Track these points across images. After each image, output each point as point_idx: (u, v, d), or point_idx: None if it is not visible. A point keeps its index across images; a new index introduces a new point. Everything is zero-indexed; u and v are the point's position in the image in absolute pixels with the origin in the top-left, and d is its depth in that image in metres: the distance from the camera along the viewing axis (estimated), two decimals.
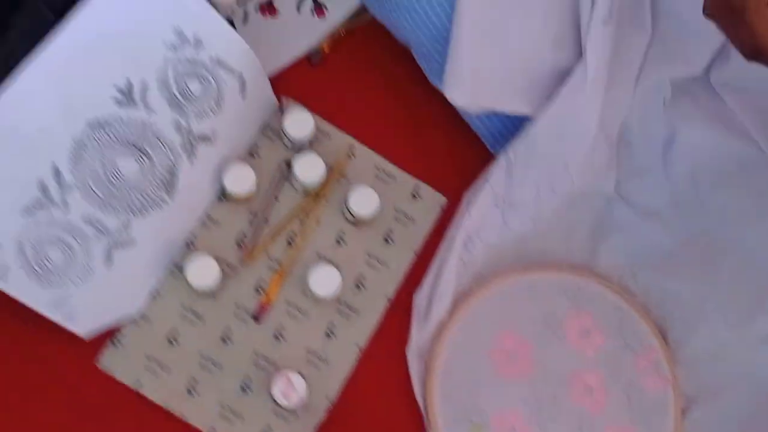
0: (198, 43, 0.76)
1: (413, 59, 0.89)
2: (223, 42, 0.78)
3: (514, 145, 0.83)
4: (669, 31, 0.82)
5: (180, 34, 0.75)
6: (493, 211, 0.85)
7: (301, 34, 0.91)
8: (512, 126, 0.86)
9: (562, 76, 0.80)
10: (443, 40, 0.80)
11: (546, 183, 0.83)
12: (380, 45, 0.92)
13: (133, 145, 0.75)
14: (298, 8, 0.92)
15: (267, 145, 0.87)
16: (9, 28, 0.72)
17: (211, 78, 0.78)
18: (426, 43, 0.82)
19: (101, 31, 0.72)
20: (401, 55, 0.90)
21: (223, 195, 0.83)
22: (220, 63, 0.78)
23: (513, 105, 0.81)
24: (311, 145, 0.87)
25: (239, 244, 0.83)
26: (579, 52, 0.79)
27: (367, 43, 0.93)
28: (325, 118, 0.89)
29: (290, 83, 0.89)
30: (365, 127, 0.90)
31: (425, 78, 0.88)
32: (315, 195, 0.86)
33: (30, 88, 0.69)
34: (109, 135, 0.73)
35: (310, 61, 0.91)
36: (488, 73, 0.79)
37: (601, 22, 0.77)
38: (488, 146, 0.89)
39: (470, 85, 0.79)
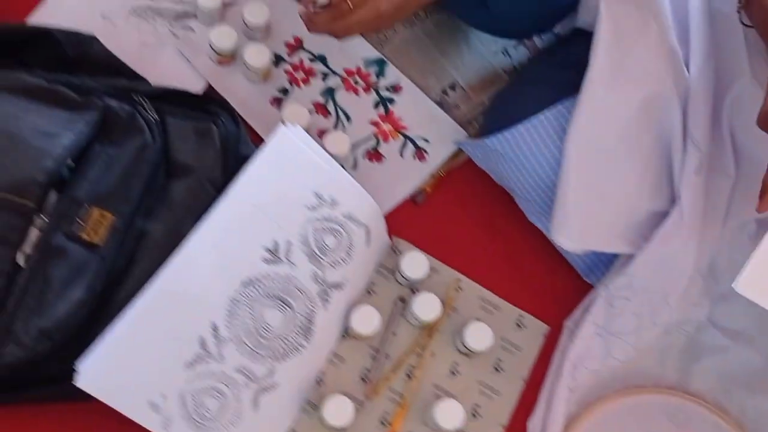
0: (333, 202, 0.85)
1: (508, 196, 0.98)
2: (354, 199, 0.87)
3: (614, 280, 0.90)
4: (750, 175, 0.90)
5: (319, 196, 0.84)
6: (595, 341, 0.91)
7: (405, 176, 1.00)
8: (605, 258, 0.94)
9: (658, 219, 0.88)
10: (546, 188, 0.89)
11: (647, 315, 0.90)
12: (477, 184, 1.00)
13: (278, 298, 0.82)
14: (401, 153, 1.01)
15: (382, 283, 0.94)
16: (171, 197, 0.80)
17: (343, 232, 0.85)
18: (529, 189, 0.90)
19: (254, 201, 0.80)
20: (497, 192, 0.99)
21: (346, 332, 0.90)
22: (351, 218, 0.86)
23: (614, 247, 0.88)
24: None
25: (363, 379, 0.89)
26: (673, 197, 0.87)
27: (465, 182, 1.01)
28: (431, 254, 0.97)
29: (398, 223, 0.97)
30: (469, 261, 0.98)
31: (521, 213, 0.97)
32: (429, 329, 0.92)
33: (194, 255, 0.77)
34: (258, 290, 0.81)
35: (414, 201, 1.00)
36: (592, 219, 0.87)
37: (693, 173, 0.85)
38: (582, 275, 0.97)
39: (576, 230, 0.87)
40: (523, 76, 0.96)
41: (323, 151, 0.86)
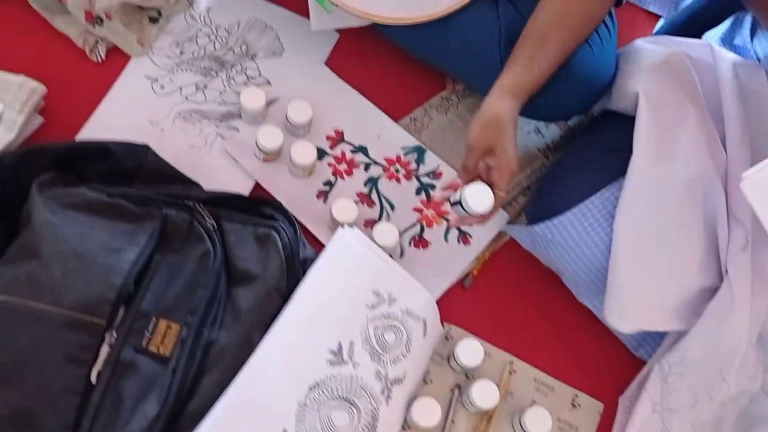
0: (392, 299, 0.86)
1: (553, 274, 0.99)
2: (410, 293, 0.88)
3: (667, 356, 0.92)
4: None
5: (377, 294, 0.86)
6: (652, 417, 0.92)
7: (451, 261, 1.02)
8: (654, 332, 0.95)
9: (708, 294, 0.89)
10: (596, 270, 0.91)
11: (703, 390, 0.91)
12: (522, 264, 1.02)
13: (344, 399, 0.83)
14: (446, 238, 1.03)
15: (436, 371, 0.95)
16: (236, 305, 0.82)
17: (402, 328, 0.87)
18: (578, 272, 0.92)
19: (317, 305, 0.82)
20: (543, 272, 1.01)
21: (406, 424, 0.91)
22: (409, 313, 0.88)
23: (668, 325, 0.90)
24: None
25: None
26: (721, 273, 0.89)
27: (510, 263, 1.03)
28: (482, 338, 0.98)
29: (448, 308, 0.99)
30: (520, 342, 0.99)
31: (567, 291, 0.99)
32: (488, 415, 0.93)
33: (264, 364, 0.78)
34: (325, 393, 0.82)
35: (462, 285, 1.01)
36: (645, 300, 0.88)
37: (740, 249, 0.87)
38: (632, 350, 0.99)
39: (630, 312, 0.88)
40: (564, 162, 0.98)
41: (379, 249, 0.88)
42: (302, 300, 0.81)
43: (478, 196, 0.85)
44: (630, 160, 0.87)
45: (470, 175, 0.89)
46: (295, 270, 0.83)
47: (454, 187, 0.90)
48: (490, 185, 0.87)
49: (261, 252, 0.85)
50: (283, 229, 0.86)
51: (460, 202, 0.87)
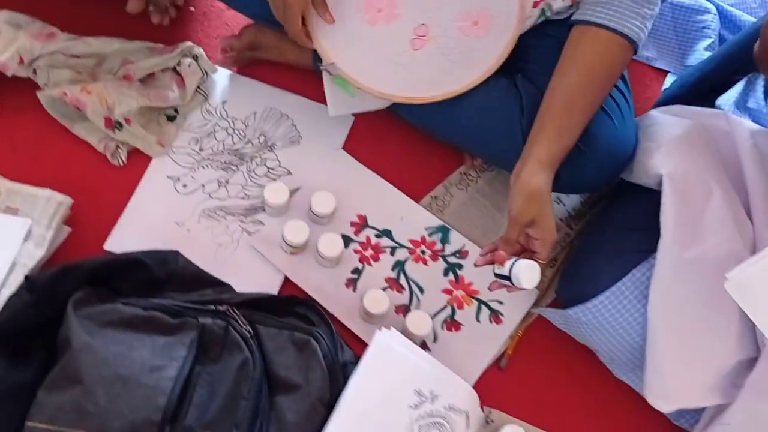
0: (434, 396, 0.86)
1: (588, 348, 0.99)
2: (451, 388, 0.88)
3: (710, 430, 0.91)
4: None
5: (419, 393, 0.86)
6: None
7: (484, 342, 1.02)
8: None
9: (747, 366, 0.89)
10: (632, 348, 0.91)
11: None
12: (556, 339, 1.02)
13: None
14: (478, 319, 1.03)
15: None
16: (281, 417, 0.82)
17: (446, 424, 0.87)
18: (614, 351, 0.93)
19: (361, 411, 0.82)
20: (576, 346, 1.01)
21: None
22: (451, 408, 0.87)
23: (709, 401, 0.90)
24: None
25: None
26: (758, 344, 0.89)
27: (544, 340, 1.03)
28: (521, 418, 0.98)
29: (486, 390, 0.98)
30: (560, 419, 0.99)
31: (604, 364, 0.99)
32: None
33: None
34: None
35: (498, 366, 1.01)
36: (685, 379, 0.88)
37: None
38: (672, 420, 0.98)
39: (672, 392, 0.88)
40: (592, 244, 0.99)
41: (417, 347, 0.89)
42: (347, 409, 0.81)
43: (529, 273, 0.87)
44: (659, 244, 0.88)
45: (512, 246, 0.89)
46: (336, 377, 0.83)
47: (500, 261, 0.90)
48: (530, 252, 0.89)
49: (301, 360, 0.85)
50: (321, 336, 0.86)
51: (509, 277, 0.88)
